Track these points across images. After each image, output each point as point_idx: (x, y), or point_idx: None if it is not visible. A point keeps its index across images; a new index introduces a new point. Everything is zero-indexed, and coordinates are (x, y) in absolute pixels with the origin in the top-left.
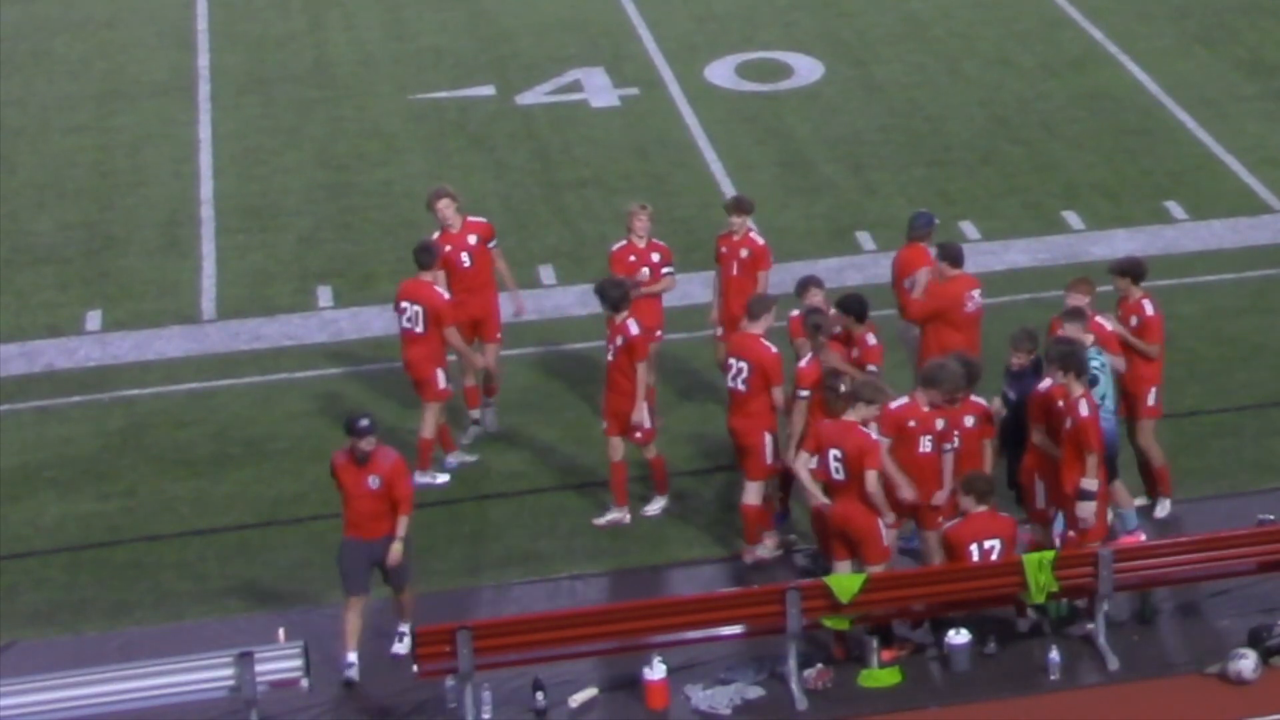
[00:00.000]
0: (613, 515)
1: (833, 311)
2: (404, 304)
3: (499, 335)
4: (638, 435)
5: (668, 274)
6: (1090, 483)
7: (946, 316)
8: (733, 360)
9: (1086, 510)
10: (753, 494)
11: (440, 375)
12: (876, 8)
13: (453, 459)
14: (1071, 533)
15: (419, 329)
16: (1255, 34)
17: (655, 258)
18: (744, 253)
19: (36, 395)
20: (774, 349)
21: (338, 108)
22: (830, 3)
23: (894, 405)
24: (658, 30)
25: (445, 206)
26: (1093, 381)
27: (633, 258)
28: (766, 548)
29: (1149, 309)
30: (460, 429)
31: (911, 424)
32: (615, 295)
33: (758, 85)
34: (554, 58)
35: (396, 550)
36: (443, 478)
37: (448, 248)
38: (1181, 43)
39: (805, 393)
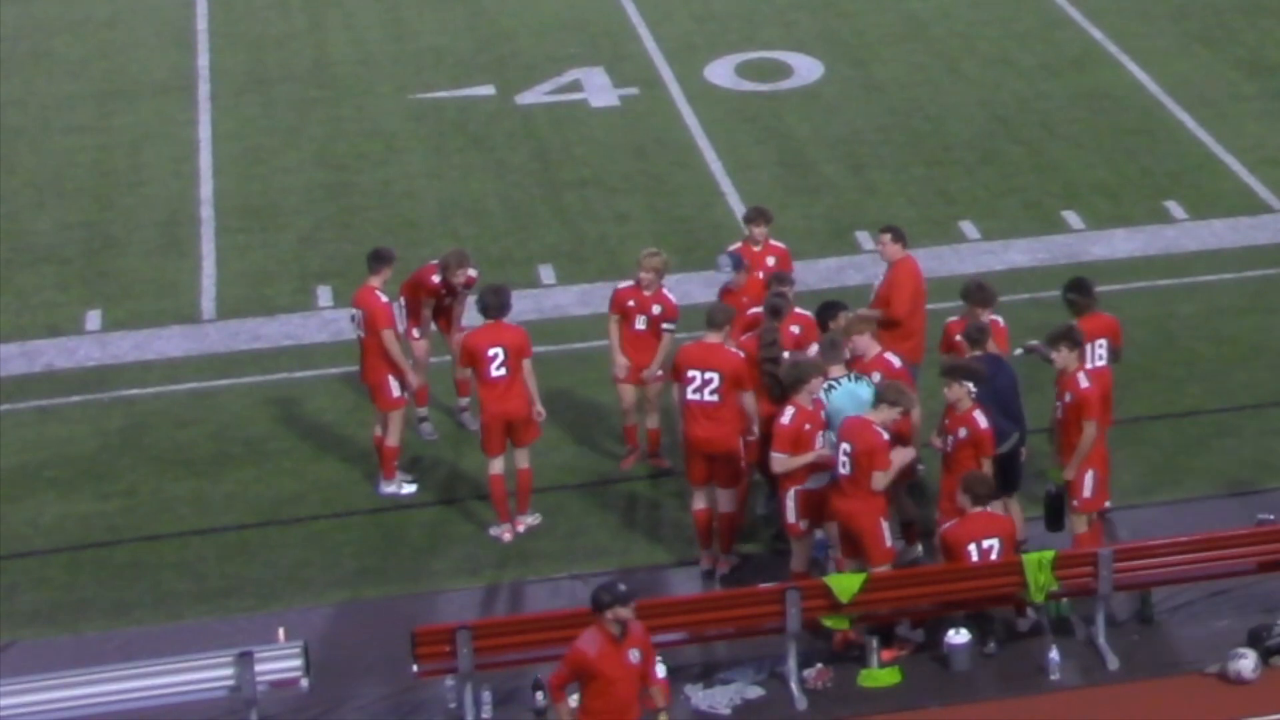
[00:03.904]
0: (493, 531)
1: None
2: (353, 310)
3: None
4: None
5: (668, 331)
6: None
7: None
8: (695, 372)
9: None
10: (731, 502)
11: (393, 383)
12: (876, 8)
13: (388, 486)
14: None
15: (363, 334)
16: (1255, 34)
17: (656, 310)
18: (770, 260)
19: (36, 395)
20: (741, 353)
21: (338, 108)
22: (830, 3)
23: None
24: (658, 30)
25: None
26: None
27: (631, 302)
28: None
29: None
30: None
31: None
32: (490, 302)
33: (758, 85)
34: (554, 58)
35: None
36: (409, 488)
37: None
38: (1181, 43)
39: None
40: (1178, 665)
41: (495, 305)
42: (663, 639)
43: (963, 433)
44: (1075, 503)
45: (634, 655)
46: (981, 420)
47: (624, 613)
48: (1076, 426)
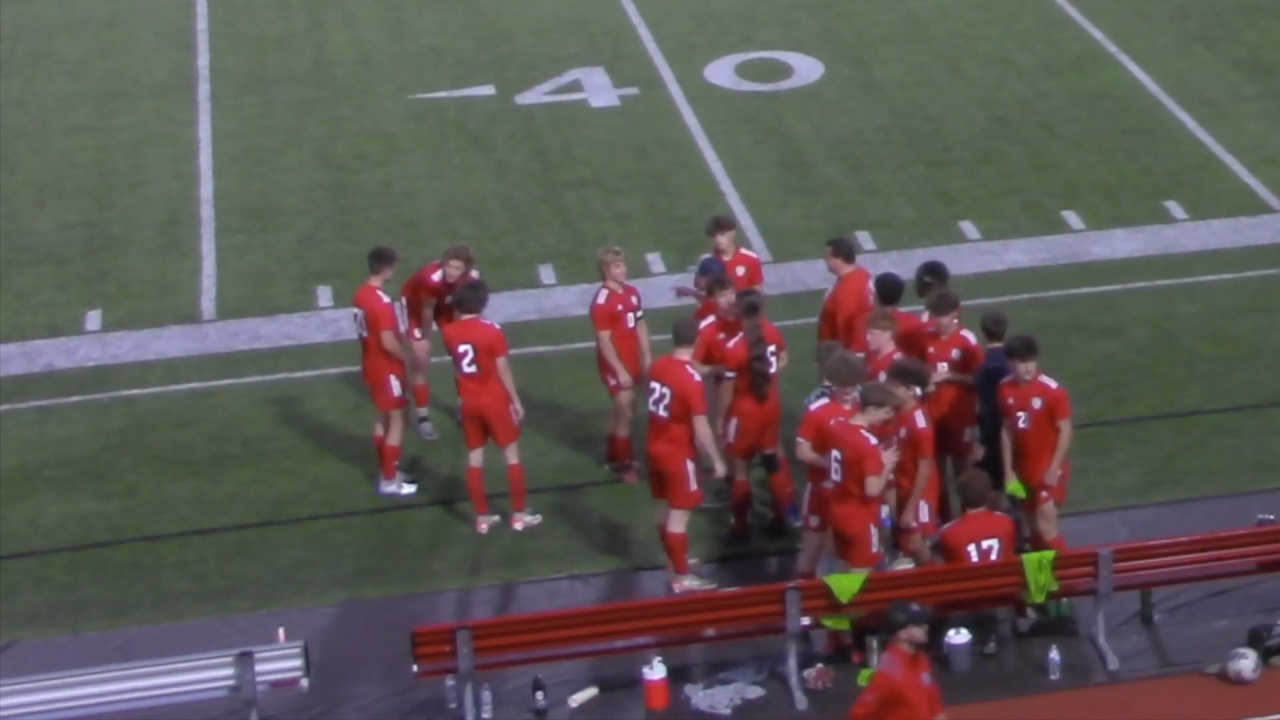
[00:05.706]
0: (479, 525)
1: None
2: (355, 310)
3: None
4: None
5: (641, 319)
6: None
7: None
8: (655, 384)
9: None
10: (677, 521)
11: (393, 382)
12: (876, 8)
13: (388, 486)
14: None
15: (365, 334)
16: (1255, 34)
17: (634, 300)
18: (740, 270)
19: (36, 395)
20: (698, 377)
21: (338, 108)
22: (830, 3)
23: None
24: (658, 30)
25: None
26: None
27: (620, 307)
28: (696, 579)
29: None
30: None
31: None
32: (464, 297)
33: (758, 85)
34: (554, 58)
35: None
36: (409, 488)
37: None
38: (1181, 43)
39: (731, 373)
40: (1178, 665)
41: (468, 300)
42: (663, 639)
43: (903, 432)
44: (1044, 494)
45: (927, 679)
46: (920, 420)
47: (918, 634)
48: (1051, 429)
